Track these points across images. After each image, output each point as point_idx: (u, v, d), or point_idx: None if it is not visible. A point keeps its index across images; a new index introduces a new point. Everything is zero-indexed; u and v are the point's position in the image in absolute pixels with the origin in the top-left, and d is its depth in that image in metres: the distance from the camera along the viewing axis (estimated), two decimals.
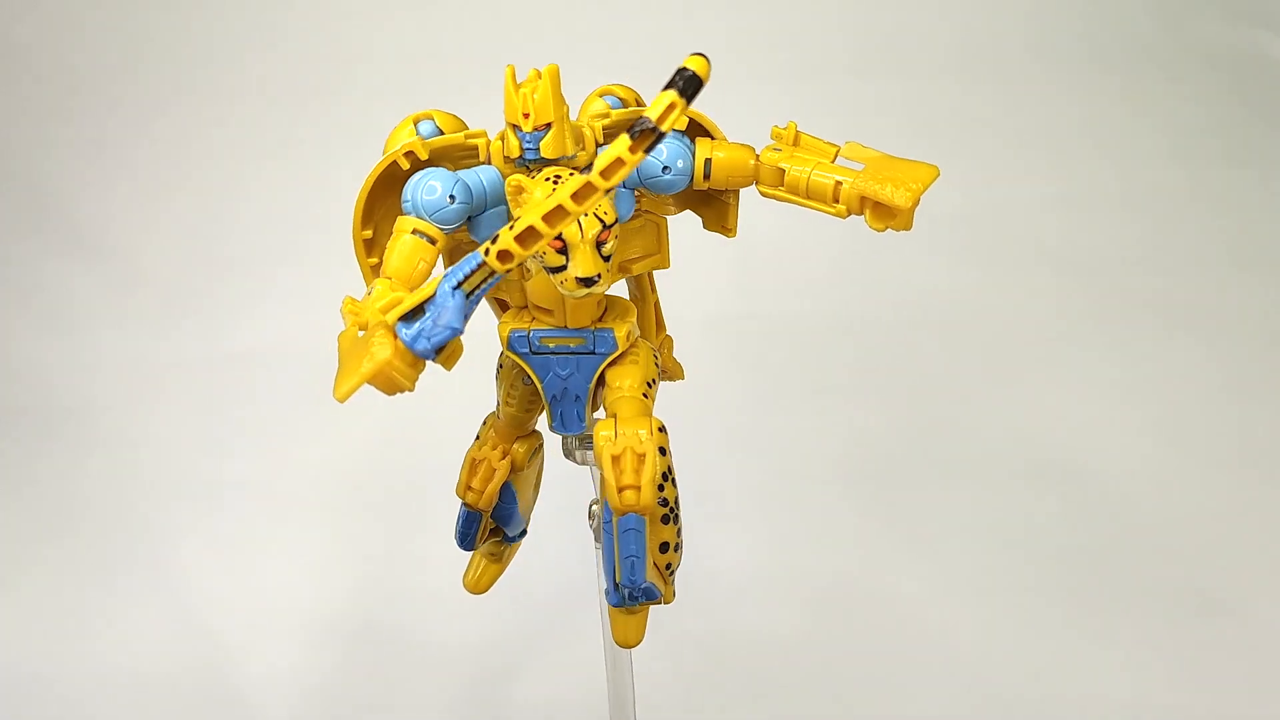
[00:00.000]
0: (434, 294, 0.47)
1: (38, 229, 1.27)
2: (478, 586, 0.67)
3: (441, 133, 0.57)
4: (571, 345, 0.58)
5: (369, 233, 0.57)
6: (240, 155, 1.31)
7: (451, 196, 0.54)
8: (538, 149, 0.54)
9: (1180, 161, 1.38)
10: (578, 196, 0.45)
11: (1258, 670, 0.97)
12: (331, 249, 1.27)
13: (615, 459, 0.53)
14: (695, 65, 0.43)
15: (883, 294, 1.29)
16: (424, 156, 0.56)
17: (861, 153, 0.57)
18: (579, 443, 0.62)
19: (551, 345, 0.58)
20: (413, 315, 0.47)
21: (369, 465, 1.12)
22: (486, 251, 0.46)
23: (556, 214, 0.46)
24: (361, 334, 0.49)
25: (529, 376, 0.59)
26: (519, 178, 0.53)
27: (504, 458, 0.63)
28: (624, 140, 0.44)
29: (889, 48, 1.40)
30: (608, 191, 0.45)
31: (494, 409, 0.64)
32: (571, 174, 0.51)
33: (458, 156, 0.56)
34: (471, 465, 0.63)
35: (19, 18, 1.35)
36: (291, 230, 1.28)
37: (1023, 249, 1.32)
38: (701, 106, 0.58)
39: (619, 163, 0.44)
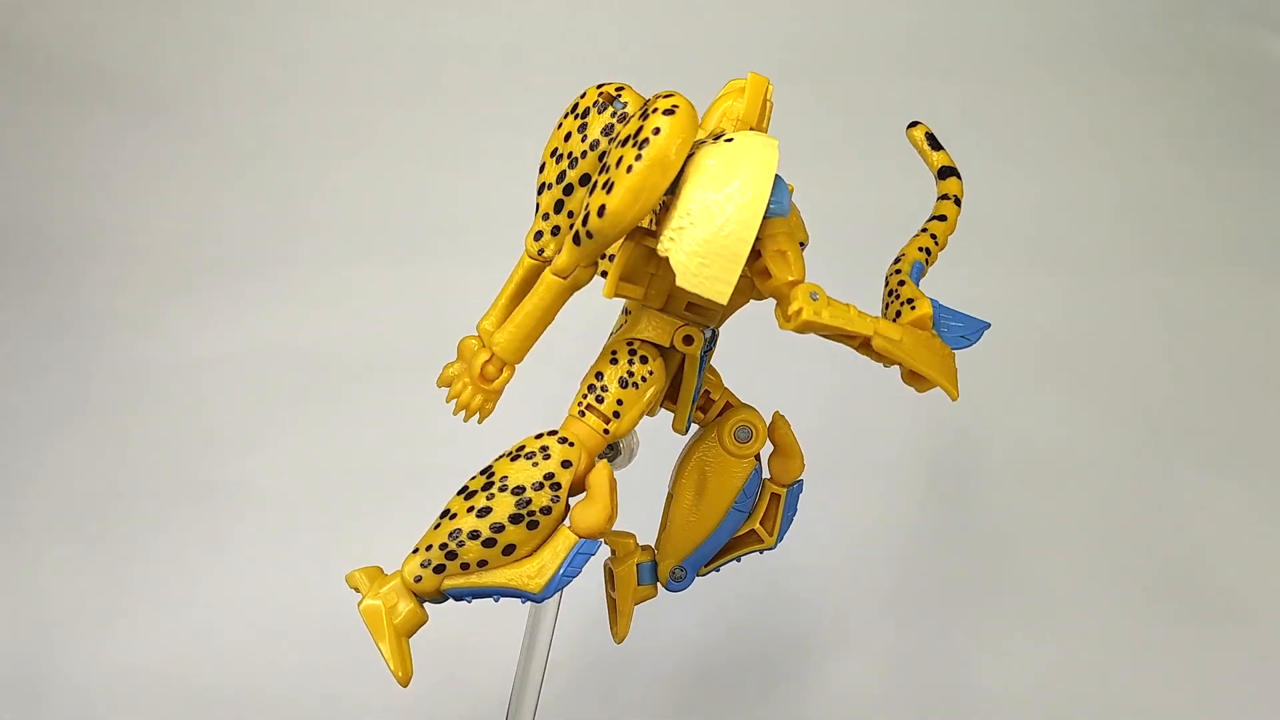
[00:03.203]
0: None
1: (37, 228, 1.27)
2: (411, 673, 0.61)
3: None
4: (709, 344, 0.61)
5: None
6: (237, 155, 1.31)
7: None
8: None
9: (1180, 161, 1.38)
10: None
11: (1261, 672, 0.97)
12: (329, 250, 1.28)
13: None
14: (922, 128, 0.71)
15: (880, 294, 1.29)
16: None
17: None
18: (631, 444, 0.63)
19: (705, 344, 0.60)
20: None
21: (369, 465, 1.12)
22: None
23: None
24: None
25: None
26: None
27: None
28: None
29: (890, 49, 1.39)
30: None
31: (566, 427, 0.58)
32: None
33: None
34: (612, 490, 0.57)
35: (20, 15, 1.35)
36: (289, 231, 1.28)
37: (1022, 249, 1.32)
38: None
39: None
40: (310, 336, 1.22)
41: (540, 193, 0.59)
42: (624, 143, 0.54)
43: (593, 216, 0.53)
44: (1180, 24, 1.44)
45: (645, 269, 0.58)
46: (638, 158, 0.52)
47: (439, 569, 0.57)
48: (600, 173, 0.54)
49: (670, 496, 0.64)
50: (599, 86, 0.59)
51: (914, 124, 0.73)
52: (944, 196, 0.70)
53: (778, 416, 0.63)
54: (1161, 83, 1.41)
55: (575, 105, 0.59)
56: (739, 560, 0.65)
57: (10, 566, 1.03)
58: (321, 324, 1.23)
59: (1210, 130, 1.40)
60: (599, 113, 0.58)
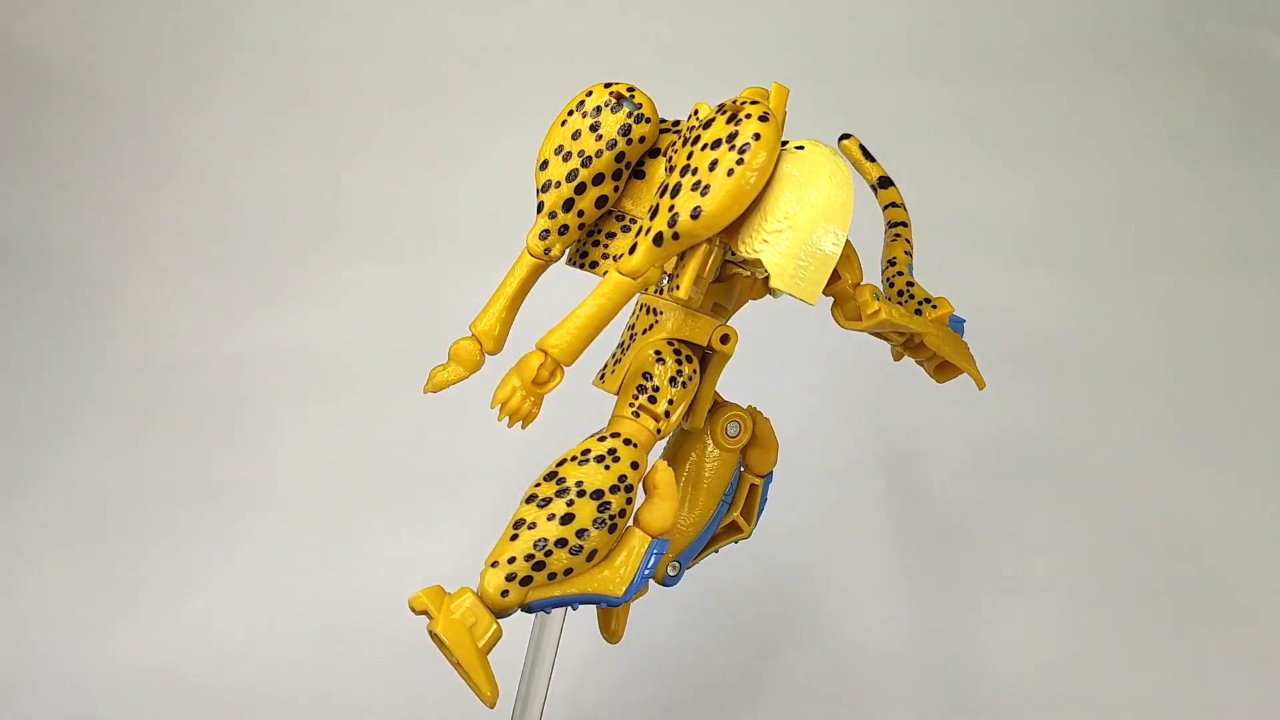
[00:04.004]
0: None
1: (38, 229, 1.27)
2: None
3: None
4: None
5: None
6: (238, 155, 1.31)
7: None
8: None
9: (1181, 161, 1.38)
10: None
11: (1261, 671, 0.97)
12: (329, 250, 1.28)
13: None
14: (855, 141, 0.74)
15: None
16: None
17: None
18: None
19: None
20: None
21: (369, 466, 1.12)
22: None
23: None
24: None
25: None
26: None
27: None
28: None
29: (890, 48, 1.39)
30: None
31: (641, 429, 0.59)
32: None
33: None
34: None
35: (20, 15, 1.35)
36: (290, 231, 1.28)
37: (1022, 248, 1.32)
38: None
39: None
40: (310, 337, 1.22)
41: (545, 190, 0.59)
42: (713, 145, 0.54)
43: (683, 218, 0.54)
44: (1180, 24, 1.44)
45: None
46: (739, 161, 0.53)
47: (525, 581, 0.55)
48: (683, 174, 0.55)
49: None
50: (607, 85, 0.59)
51: (845, 136, 0.77)
52: (892, 204, 0.75)
53: (754, 411, 0.66)
54: (1161, 83, 1.41)
55: (581, 103, 0.59)
56: (717, 552, 0.67)
57: (11, 566, 1.02)
58: (322, 325, 1.23)
59: (1210, 130, 1.39)
60: (613, 112, 0.58)
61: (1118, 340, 1.26)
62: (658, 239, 0.55)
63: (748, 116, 0.54)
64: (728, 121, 0.54)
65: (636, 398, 0.59)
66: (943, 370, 0.67)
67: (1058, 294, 1.29)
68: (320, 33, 1.36)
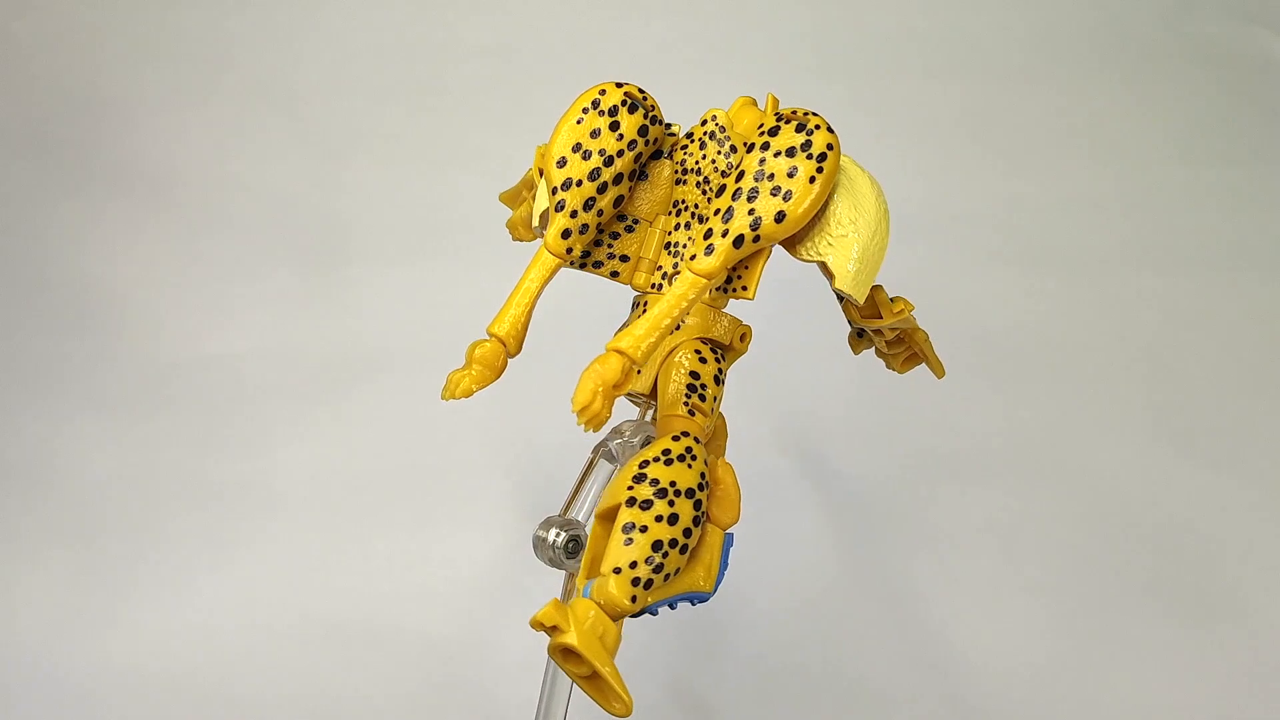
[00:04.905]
0: None
1: (40, 227, 1.27)
2: None
3: None
4: None
5: None
6: (238, 155, 1.31)
7: None
8: None
9: (1180, 161, 1.38)
10: None
11: (1260, 671, 0.97)
12: (329, 249, 1.28)
13: None
14: None
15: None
16: None
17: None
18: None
19: None
20: None
21: (368, 466, 1.12)
22: None
23: None
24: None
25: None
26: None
27: None
28: None
29: (890, 48, 1.39)
30: None
31: (701, 425, 0.60)
32: None
33: None
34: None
35: (19, 15, 1.35)
36: (292, 231, 1.28)
37: (1022, 248, 1.32)
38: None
39: None
40: (310, 337, 1.22)
41: (566, 188, 0.59)
42: (788, 153, 0.57)
43: (767, 222, 0.56)
44: (1180, 24, 1.44)
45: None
46: (819, 170, 0.56)
47: (648, 585, 0.54)
48: (757, 179, 0.57)
49: None
50: (619, 85, 0.59)
51: None
52: None
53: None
54: (1161, 83, 1.41)
55: (595, 101, 0.59)
56: None
57: (12, 566, 1.02)
58: (322, 325, 1.23)
59: (1210, 130, 1.39)
60: (630, 112, 0.58)
61: (1117, 339, 1.26)
62: (738, 241, 0.56)
63: (817, 128, 0.57)
64: (796, 130, 0.57)
65: (689, 397, 0.59)
66: (907, 363, 0.72)
67: (1057, 293, 1.29)
68: (320, 33, 1.36)
